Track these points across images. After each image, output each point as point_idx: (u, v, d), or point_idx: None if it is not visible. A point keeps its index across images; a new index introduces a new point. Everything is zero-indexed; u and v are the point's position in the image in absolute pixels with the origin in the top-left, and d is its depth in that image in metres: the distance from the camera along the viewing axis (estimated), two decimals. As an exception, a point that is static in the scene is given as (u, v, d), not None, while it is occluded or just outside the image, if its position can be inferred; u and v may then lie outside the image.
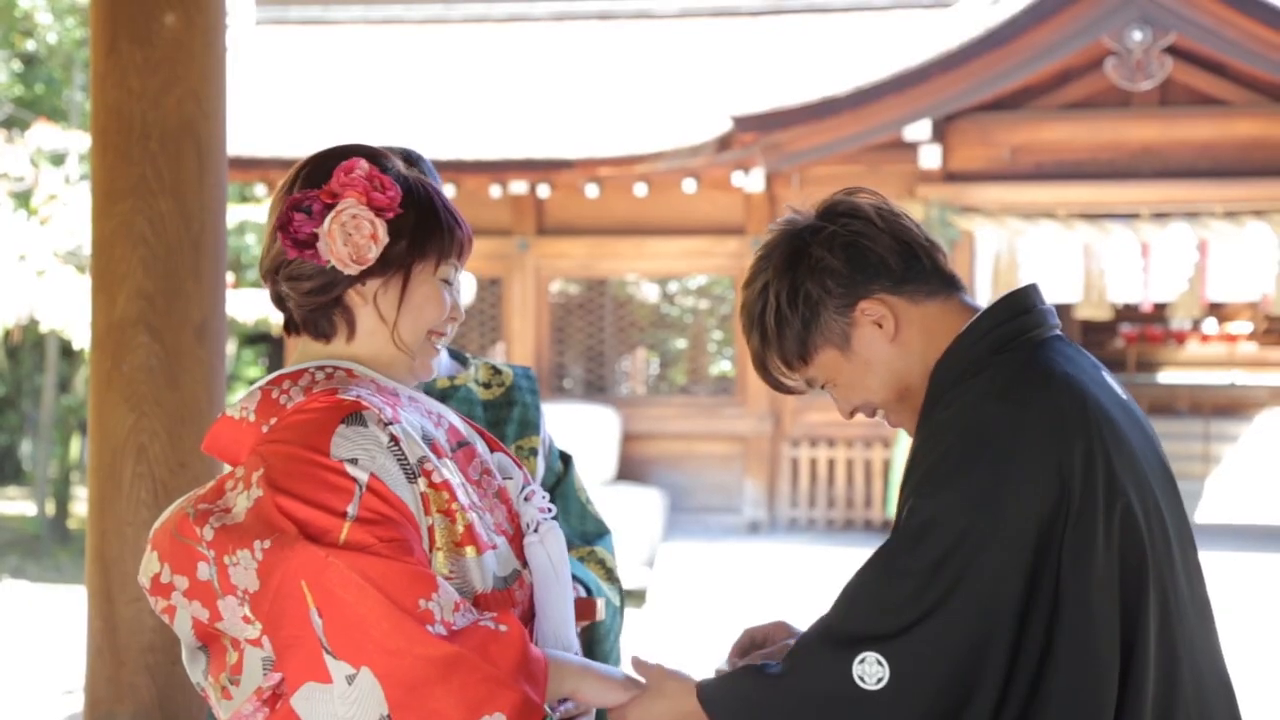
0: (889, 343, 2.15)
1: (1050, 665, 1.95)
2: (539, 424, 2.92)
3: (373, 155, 2.16)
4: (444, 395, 2.80)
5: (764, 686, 2.05)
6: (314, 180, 2.13)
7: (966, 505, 1.95)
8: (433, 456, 2.09)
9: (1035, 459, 1.96)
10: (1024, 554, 1.94)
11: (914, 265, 2.16)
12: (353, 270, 2.09)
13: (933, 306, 2.16)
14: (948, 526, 1.95)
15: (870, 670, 1.95)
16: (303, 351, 2.20)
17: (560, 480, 2.96)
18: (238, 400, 2.15)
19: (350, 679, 1.94)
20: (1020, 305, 2.15)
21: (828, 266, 2.14)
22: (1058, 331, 2.18)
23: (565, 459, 3.02)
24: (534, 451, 2.89)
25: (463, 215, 2.22)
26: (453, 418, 2.26)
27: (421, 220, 2.14)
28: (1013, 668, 1.94)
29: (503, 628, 2.00)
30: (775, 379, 2.24)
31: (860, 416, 2.28)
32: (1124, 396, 2.16)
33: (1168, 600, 2.03)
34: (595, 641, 2.78)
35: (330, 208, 2.09)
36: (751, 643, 2.32)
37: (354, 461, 2.01)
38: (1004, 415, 2.00)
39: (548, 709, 2.09)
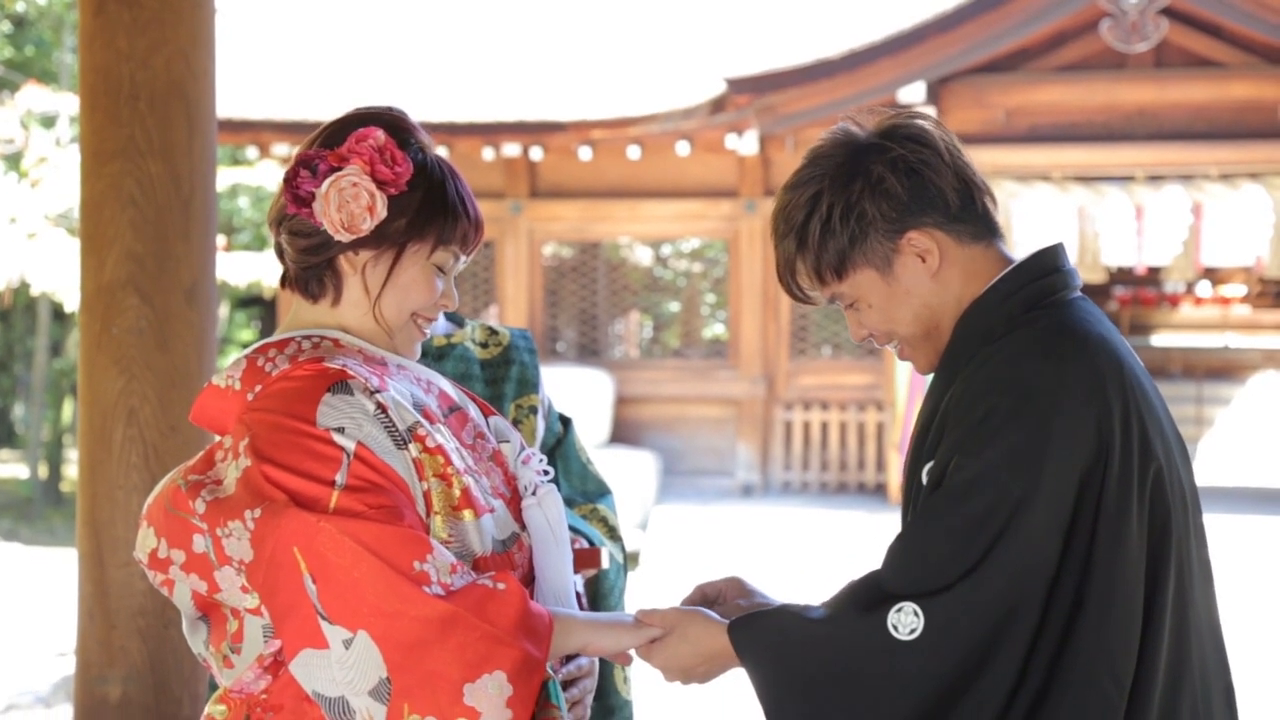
0: (929, 277, 2.12)
1: (1080, 624, 1.96)
2: (538, 383, 2.90)
3: (396, 128, 2.14)
4: (440, 353, 2.78)
5: (800, 629, 2.04)
6: (331, 140, 2.13)
7: (1009, 463, 1.95)
8: (425, 422, 2.08)
9: (1077, 417, 1.96)
10: (1063, 513, 1.95)
11: (969, 205, 2.13)
12: (343, 237, 2.08)
13: (976, 250, 2.14)
14: (991, 485, 1.95)
15: (905, 620, 1.95)
16: (294, 314, 2.20)
17: (560, 441, 2.95)
18: (224, 369, 2.14)
19: (347, 643, 1.94)
20: (1049, 264, 2.14)
21: (888, 189, 2.09)
22: (1080, 292, 2.17)
23: (564, 421, 3.01)
24: (534, 410, 2.87)
25: (478, 207, 2.19)
26: (444, 384, 2.25)
27: (427, 201, 2.12)
28: (1042, 626, 1.96)
29: (501, 586, 2.00)
30: (797, 287, 2.21)
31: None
32: (1139, 361, 2.16)
33: (1183, 564, 2.05)
34: (600, 597, 2.77)
35: (335, 171, 2.08)
36: (704, 599, 2.28)
37: (340, 430, 2.00)
38: (1046, 373, 1.99)
39: (550, 669, 2.09)
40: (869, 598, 2.00)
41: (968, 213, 2.13)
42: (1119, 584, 1.96)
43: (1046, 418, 1.96)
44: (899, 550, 2.02)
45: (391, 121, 2.15)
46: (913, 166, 2.10)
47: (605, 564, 2.45)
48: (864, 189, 2.10)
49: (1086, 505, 1.96)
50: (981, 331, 2.10)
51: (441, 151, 2.21)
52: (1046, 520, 1.94)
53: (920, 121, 2.15)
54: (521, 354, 2.91)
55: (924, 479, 2.08)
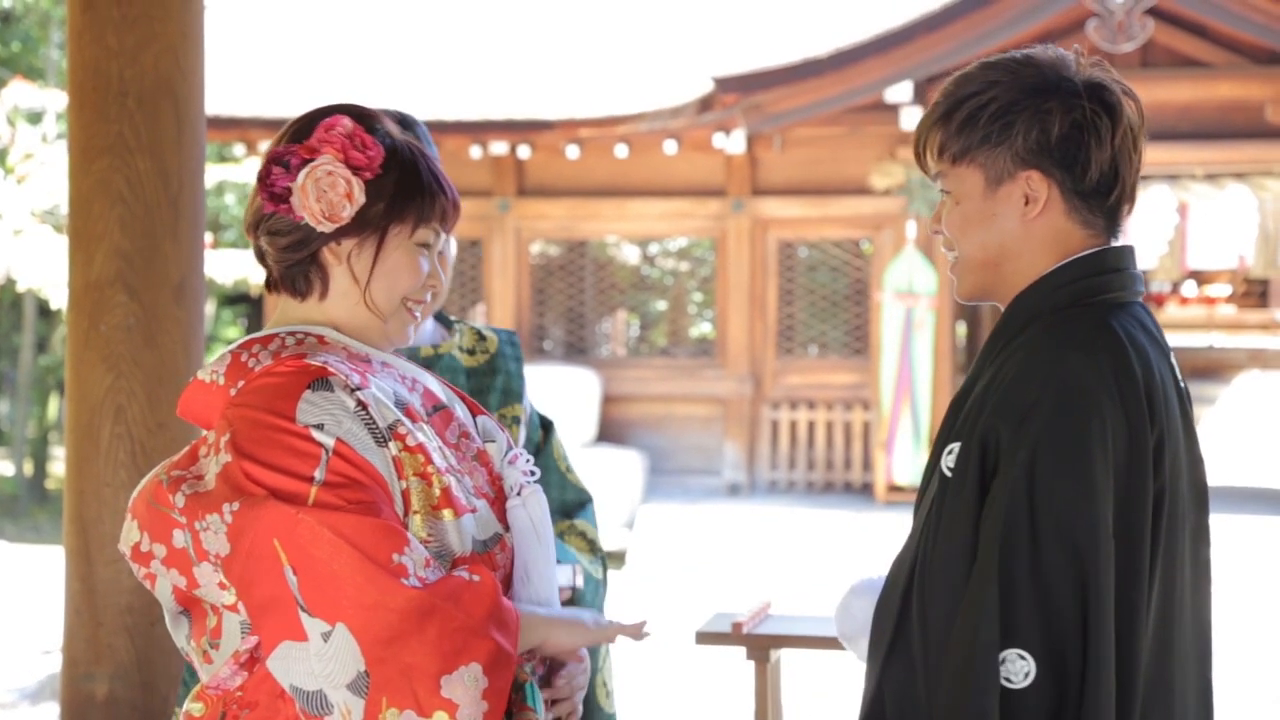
0: (1020, 219, 2.10)
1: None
2: (522, 392, 2.89)
3: (361, 116, 2.14)
4: (428, 364, 2.76)
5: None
6: (299, 135, 2.12)
7: (1061, 467, 1.94)
8: (406, 420, 2.07)
9: (1113, 416, 1.96)
10: (1110, 510, 1.95)
11: (1102, 191, 2.10)
12: (326, 227, 2.08)
13: (1074, 227, 2.11)
14: (1049, 497, 1.93)
15: (1016, 668, 1.92)
16: (281, 312, 2.19)
17: (540, 449, 2.93)
18: (209, 364, 2.14)
19: (326, 636, 1.94)
20: (1109, 263, 2.11)
21: (1047, 127, 2.07)
22: (1140, 299, 2.15)
23: (546, 425, 2.99)
24: (517, 420, 2.86)
25: (451, 182, 2.19)
26: (429, 382, 2.24)
27: (402, 183, 2.11)
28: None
29: (475, 578, 2.00)
30: (921, 150, 2.19)
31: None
32: (1177, 372, 2.15)
33: (1175, 562, 2.05)
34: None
35: (308, 163, 2.07)
36: None
37: (320, 426, 1.99)
38: (1086, 370, 1.98)
39: (528, 670, 2.09)
40: (972, 653, 1.95)
41: (1095, 195, 2.10)
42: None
43: (1088, 415, 1.95)
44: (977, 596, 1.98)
45: (355, 110, 2.16)
46: (1083, 124, 2.07)
47: (579, 582, 2.43)
48: (1032, 110, 2.08)
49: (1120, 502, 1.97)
50: (1028, 313, 2.09)
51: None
52: (1100, 518, 1.93)
53: (1125, 98, 2.12)
54: (508, 362, 2.90)
55: (945, 461, 2.05)
